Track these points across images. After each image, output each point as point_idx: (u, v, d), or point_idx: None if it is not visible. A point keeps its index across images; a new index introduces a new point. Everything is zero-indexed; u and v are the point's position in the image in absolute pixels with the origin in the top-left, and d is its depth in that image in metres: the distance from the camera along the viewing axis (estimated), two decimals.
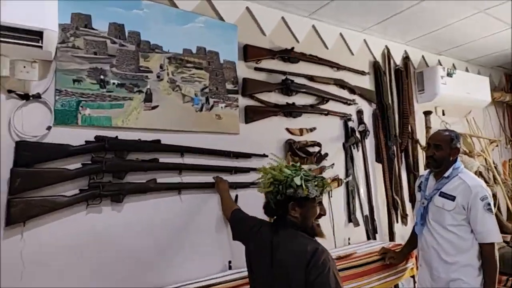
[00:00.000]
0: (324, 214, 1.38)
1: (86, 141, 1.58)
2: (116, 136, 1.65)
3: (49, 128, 1.52)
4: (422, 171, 3.06)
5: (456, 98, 3.24)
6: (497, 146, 4.00)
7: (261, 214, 1.45)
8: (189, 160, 1.88)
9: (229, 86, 2.06)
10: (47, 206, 1.44)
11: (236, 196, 2.00)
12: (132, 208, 1.70)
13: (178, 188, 1.81)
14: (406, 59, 3.15)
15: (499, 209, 3.57)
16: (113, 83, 1.67)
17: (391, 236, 2.74)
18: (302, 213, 1.31)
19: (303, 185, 1.28)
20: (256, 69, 2.18)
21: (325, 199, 2.38)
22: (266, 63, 2.24)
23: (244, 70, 2.14)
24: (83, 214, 1.57)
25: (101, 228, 1.60)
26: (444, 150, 1.90)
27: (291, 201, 1.29)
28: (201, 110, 1.94)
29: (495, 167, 3.80)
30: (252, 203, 2.04)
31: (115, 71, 1.68)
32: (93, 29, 1.63)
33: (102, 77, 1.64)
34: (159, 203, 1.77)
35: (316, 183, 1.32)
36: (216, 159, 1.97)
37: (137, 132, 1.73)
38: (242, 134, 2.09)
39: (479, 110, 3.84)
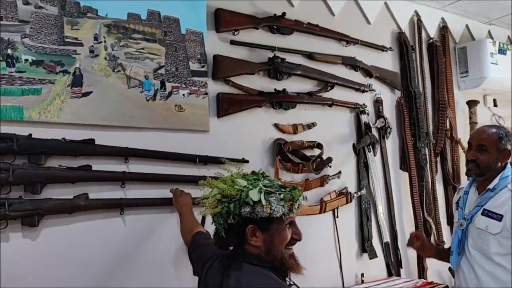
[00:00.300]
0: (299, 239, 1.30)
1: None
2: (30, 134, 1.59)
3: None
4: (465, 181, 3.02)
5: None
6: None
7: None
8: (136, 167, 1.82)
9: (195, 66, 2.00)
10: None
11: (203, 218, 1.94)
12: (52, 234, 1.63)
13: (120, 205, 1.75)
14: (443, 29, 3.13)
15: None
16: (26, 60, 1.60)
17: (421, 272, 2.71)
18: (266, 240, 1.24)
19: (263, 200, 1.21)
20: (233, 42, 2.13)
21: (329, 219, 2.39)
22: (247, 35, 2.19)
23: (215, 44, 2.09)
24: None
25: (7, 262, 1.53)
26: (490, 153, 1.87)
27: (249, 224, 1.23)
28: (154, 98, 1.88)
29: None
30: None
31: (29, 43, 1.61)
32: None
33: (10, 51, 1.57)
34: (93, 227, 1.71)
35: (282, 196, 1.23)
36: (175, 165, 1.92)
37: (61, 128, 1.67)
38: (213, 132, 2.05)
39: None
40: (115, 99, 1.78)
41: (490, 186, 1.87)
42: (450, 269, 2.79)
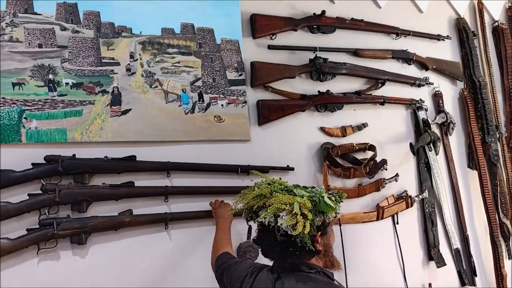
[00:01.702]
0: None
1: (33, 164, 1.61)
2: (74, 155, 1.68)
3: None
4: None
5: None
6: None
7: None
8: (178, 181, 1.86)
9: (232, 75, 2.02)
10: None
11: (249, 228, 1.94)
12: (100, 251, 1.71)
13: (164, 220, 1.80)
14: (510, 10, 2.92)
15: None
16: (67, 84, 1.71)
17: (499, 280, 2.51)
18: (325, 244, 1.35)
19: (334, 205, 1.31)
20: (271, 47, 2.12)
21: (388, 226, 2.29)
22: (285, 38, 2.17)
23: (252, 51, 2.10)
24: (33, 262, 1.60)
25: (58, 280, 1.62)
26: None
27: (318, 231, 1.30)
28: (192, 111, 1.92)
29: None
30: None
31: (68, 67, 1.72)
32: (35, 13, 1.69)
33: (51, 76, 1.68)
34: (138, 242, 1.77)
35: (334, 198, 1.35)
36: (217, 177, 1.94)
37: (103, 147, 1.75)
38: (255, 141, 2.05)
39: None
40: (153, 115, 1.84)
41: None
42: None
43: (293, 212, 1.23)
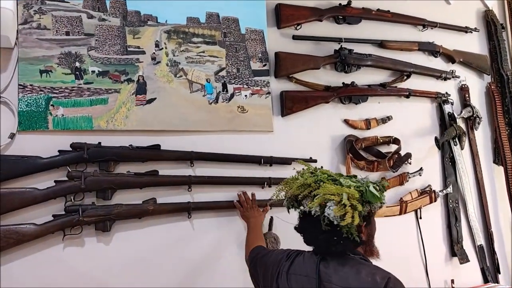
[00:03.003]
0: None
1: (59, 151, 1.63)
2: (99, 143, 1.69)
3: (12, 135, 1.59)
4: None
5: None
6: None
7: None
8: (201, 170, 1.86)
9: (256, 65, 2.01)
10: (12, 238, 1.52)
11: (271, 219, 1.94)
12: (124, 238, 1.72)
13: (188, 209, 1.80)
14: None
15: None
16: (93, 72, 1.71)
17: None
18: (369, 233, 1.38)
19: (381, 196, 1.32)
20: (296, 38, 2.10)
21: (411, 221, 2.26)
22: (310, 28, 2.15)
23: (277, 41, 2.08)
24: (59, 248, 1.62)
25: (83, 266, 1.64)
26: None
27: (364, 221, 1.31)
28: (216, 101, 1.91)
29: None
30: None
31: (95, 55, 1.72)
32: (63, 1, 1.69)
33: (77, 64, 1.69)
34: (162, 231, 1.78)
35: (379, 188, 1.34)
36: (240, 167, 1.93)
37: (128, 135, 1.75)
38: (278, 132, 2.03)
39: None
40: (178, 104, 1.84)
41: None
42: None
43: (342, 202, 1.24)
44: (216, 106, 1.91)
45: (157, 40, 1.84)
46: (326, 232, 1.26)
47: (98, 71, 1.73)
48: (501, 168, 2.55)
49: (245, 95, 1.97)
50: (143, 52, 1.81)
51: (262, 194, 1.95)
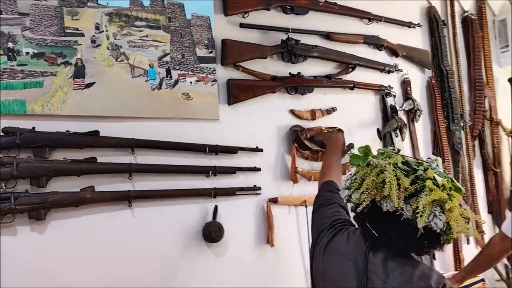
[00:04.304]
0: None
1: None
2: (33, 128, 1.62)
3: None
4: (507, 166, 2.88)
5: None
6: None
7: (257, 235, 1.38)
8: (143, 158, 1.83)
9: (202, 52, 1.99)
10: None
11: (215, 208, 1.94)
12: (60, 227, 1.66)
13: (128, 198, 1.76)
14: (480, 1, 3.00)
15: None
16: (27, 53, 1.63)
17: (458, 263, 2.60)
18: None
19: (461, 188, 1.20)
20: (243, 26, 2.09)
21: None
22: (258, 17, 2.14)
23: (224, 28, 2.06)
24: None
25: (16, 256, 1.58)
26: None
27: None
28: (159, 87, 1.88)
29: None
30: (242, 217, 2.01)
31: (29, 35, 1.64)
32: None
33: (10, 45, 1.61)
34: (100, 220, 1.73)
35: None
36: (184, 156, 1.91)
37: (64, 120, 1.69)
38: (224, 120, 2.03)
39: None
40: (119, 89, 1.79)
41: None
42: None
43: (453, 214, 1.10)
44: (159, 92, 1.87)
45: (97, 23, 1.77)
46: (418, 237, 1.11)
47: (33, 52, 1.65)
48: (439, 160, 2.66)
49: (190, 82, 1.94)
50: (82, 35, 1.74)
51: (207, 183, 1.94)
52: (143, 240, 1.81)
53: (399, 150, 1.27)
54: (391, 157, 1.21)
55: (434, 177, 1.14)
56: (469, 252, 2.66)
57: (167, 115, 1.89)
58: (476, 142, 2.85)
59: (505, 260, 2.78)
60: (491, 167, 2.83)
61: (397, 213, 1.13)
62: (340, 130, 2.15)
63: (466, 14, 2.86)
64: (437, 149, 2.65)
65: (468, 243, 2.68)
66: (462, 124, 2.71)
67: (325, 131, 2.26)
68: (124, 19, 1.83)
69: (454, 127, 2.65)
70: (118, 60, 1.80)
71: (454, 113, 2.65)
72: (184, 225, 1.89)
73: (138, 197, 1.79)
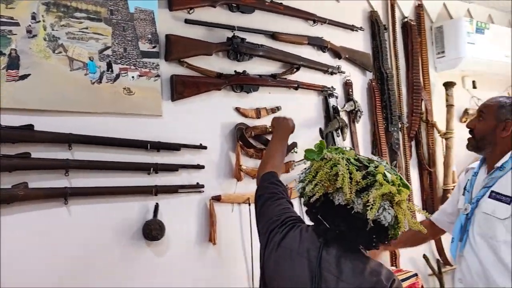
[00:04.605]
0: None
1: None
2: None
3: None
4: (441, 166, 3.03)
5: (490, 64, 3.21)
6: None
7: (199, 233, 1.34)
8: (81, 154, 1.77)
9: (145, 46, 1.95)
10: None
11: (156, 205, 1.91)
12: None
13: (64, 195, 1.71)
14: (418, 8, 3.12)
15: None
16: None
17: (394, 259, 2.70)
18: None
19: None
20: (188, 21, 2.08)
21: (295, 205, 2.36)
22: (203, 14, 2.13)
23: (168, 24, 2.04)
24: None
25: None
26: (487, 121, 1.78)
27: None
28: (100, 81, 1.83)
29: None
30: (184, 215, 2.00)
31: None
32: None
33: None
34: (34, 217, 1.67)
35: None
36: (125, 152, 1.87)
37: None
38: (167, 117, 2.00)
39: None
40: (56, 82, 1.73)
41: (498, 164, 1.75)
42: (424, 256, 2.82)
43: (401, 208, 1.16)
44: (99, 86, 1.82)
45: (34, 12, 1.70)
46: (367, 230, 1.16)
47: None
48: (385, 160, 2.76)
49: (132, 77, 1.91)
50: (17, 24, 1.66)
51: (149, 180, 1.92)
52: (79, 238, 1.76)
53: (351, 149, 1.33)
54: (344, 153, 1.27)
55: (384, 172, 1.18)
56: (405, 249, 2.79)
57: (107, 110, 1.84)
58: (413, 143, 2.96)
59: (437, 255, 2.95)
60: (426, 167, 2.97)
61: (348, 207, 1.17)
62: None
63: (406, 19, 2.98)
64: (376, 149, 2.74)
65: None
66: (400, 125, 2.82)
67: (270, 129, 2.29)
68: (63, 9, 1.76)
69: (392, 128, 2.76)
70: (56, 52, 1.74)
71: (392, 115, 2.76)
72: (123, 224, 1.85)
73: (75, 194, 1.74)
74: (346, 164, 1.19)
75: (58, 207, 1.72)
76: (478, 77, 3.38)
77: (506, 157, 1.74)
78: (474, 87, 3.41)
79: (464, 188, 1.93)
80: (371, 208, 1.12)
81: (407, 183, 1.23)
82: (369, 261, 1.22)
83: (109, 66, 1.85)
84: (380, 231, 1.17)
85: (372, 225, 1.14)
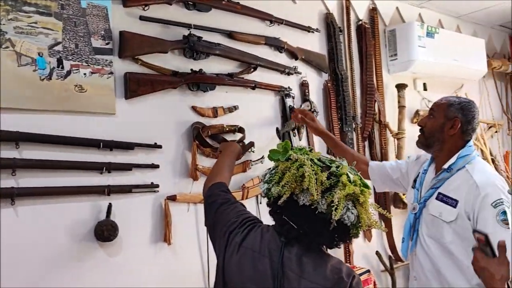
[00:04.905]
0: None
1: None
2: None
3: None
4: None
5: (440, 67, 3.33)
6: (496, 132, 4.21)
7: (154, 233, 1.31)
8: (30, 153, 1.72)
9: (98, 42, 1.91)
10: None
11: (109, 206, 1.88)
12: None
13: (11, 195, 1.65)
14: (373, 11, 3.19)
15: None
16: None
17: (347, 256, 2.76)
18: None
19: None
20: (143, 18, 2.05)
21: (252, 205, 2.38)
22: (159, 11, 2.11)
23: (122, 20, 2.00)
24: None
25: None
26: (436, 118, 1.81)
27: None
28: (49, 78, 1.77)
29: (493, 160, 4.00)
30: (138, 216, 1.97)
31: None
32: None
33: None
34: None
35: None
36: (76, 151, 1.83)
37: None
38: (121, 115, 1.97)
39: (475, 84, 4.00)
40: (3, 78, 1.66)
41: (445, 165, 1.78)
42: (377, 253, 2.90)
43: (364, 208, 1.20)
44: (49, 83, 1.77)
45: None
46: (330, 230, 1.19)
47: None
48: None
49: (84, 73, 1.86)
50: None
51: (101, 180, 1.88)
52: (28, 240, 1.70)
53: (311, 149, 1.35)
54: (308, 154, 1.28)
55: (347, 173, 1.21)
56: (359, 245, 2.87)
57: (57, 108, 1.79)
58: (366, 143, 3.03)
59: (389, 252, 3.05)
60: None
61: (312, 207, 1.19)
62: (243, 144, 2.21)
63: (360, 22, 3.05)
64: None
65: (356, 237, 2.87)
66: (354, 125, 2.88)
67: (227, 129, 2.30)
68: (11, 3, 1.70)
69: (347, 128, 2.83)
70: (3, 46, 1.67)
71: (347, 115, 2.82)
72: (74, 225, 1.81)
73: (23, 195, 1.69)
74: (311, 165, 1.22)
75: (4, 208, 1.66)
76: (428, 79, 3.52)
77: (453, 159, 1.78)
78: (425, 89, 3.53)
79: (414, 181, 1.96)
80: (336, 208, 1.15)
81: (367, 183, 1.27)
82: (330, 259, 1.26)
83: (60, 62, 1.80)
84: (343, 231, 1.21)
85: (335, 225, 1.17)
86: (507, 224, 1.62)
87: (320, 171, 1.21)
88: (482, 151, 3.94)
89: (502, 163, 4.17)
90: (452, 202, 1.73)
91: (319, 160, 1.26)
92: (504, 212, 1.63)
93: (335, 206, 1.15)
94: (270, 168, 1.34)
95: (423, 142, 1.87)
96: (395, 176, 2.11)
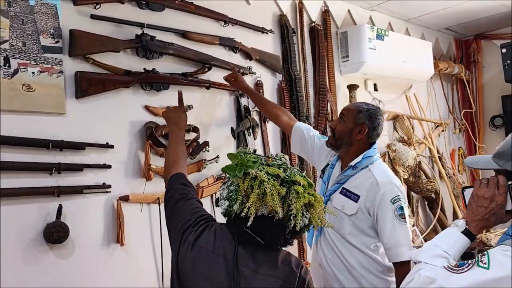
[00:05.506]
0: None
1: None
2: None
3: None
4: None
5: (389, 68, 3.47)
6: (443, 131, 4.42)
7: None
8: None
9: (47, 41, 1.88)
10: None
11: (59, 207, 1.85)
12: None
13: None
14: (325, 13, 3.27)
15: (443, 210, 3.97)
16: None
17: (301, 253, 2.84)
18: None
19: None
20: (94, 17, 2.03)
21: (207, 204, 2.40)
22: (111, 10, 2.10)
23: (72, 18, 1.98)
24: None
25: None
26: (345, 123, 1.96)
27: None
28: None
29: (440, 158, 4.20)
30: (90, 217, 1.96)
31: None
32: None
33: None
34: None
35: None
36: (25, 152, 1.80)
37: None
38: (71, 115, 1.95)
39: (423, 84, 4.18)
40: None
41: (352, 163, 1.92)
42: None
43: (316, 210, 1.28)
44: None
45: None
46: (286, 234, 1.27)
47: None
48: (287, 156, 2.88)
49: (33, 72, 1.83)
50: None
51: (51, 181, 1.85)
52: None
53: (255, 150, 1.40)
54: (263, 163, 1.31)
55: (300, 182, 1.27)
56: None
57: (4, 107, 1.75)
58: None
59: None
60: None
61: (270, 215, 1.23)
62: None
63: (313, 24, 3.12)
64: (285, 147, 2.86)
65: (308, 230, 2.94)
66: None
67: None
68: None
69: None
70: None
71: (300, 115, 2.88)
72: (22, 227, 1.78)
73: None
74: (268, 179, 1.24)
75: None
76: (379, 80, 3.65)
77: (359, 158, 1.93)
78: (376, 89, 3.67)
79: (323, 171, 2.10)
80: (296, 217, 1.21)
81: (310, 181, 1.33)
82: (280, 252, 1.33)
83: (7, 60, 1.77)
84: (297, 232, 1.28)
85: (291, 229, 1.25)
86: (404, 218, 1.83)
87: (278, 183, 1.25)
88: (429, 149, 4.13)
89: (448, 161, 4.39)
90: (354, 197, 1.89)
91: (269, 165, 1.31)
92: (401, 208, 1.84)
93: (293, 215, 1.22)
94: (227, 183, 1.33)
95: (333, 144, 2.01)
96: (312, 150, 2.22)
